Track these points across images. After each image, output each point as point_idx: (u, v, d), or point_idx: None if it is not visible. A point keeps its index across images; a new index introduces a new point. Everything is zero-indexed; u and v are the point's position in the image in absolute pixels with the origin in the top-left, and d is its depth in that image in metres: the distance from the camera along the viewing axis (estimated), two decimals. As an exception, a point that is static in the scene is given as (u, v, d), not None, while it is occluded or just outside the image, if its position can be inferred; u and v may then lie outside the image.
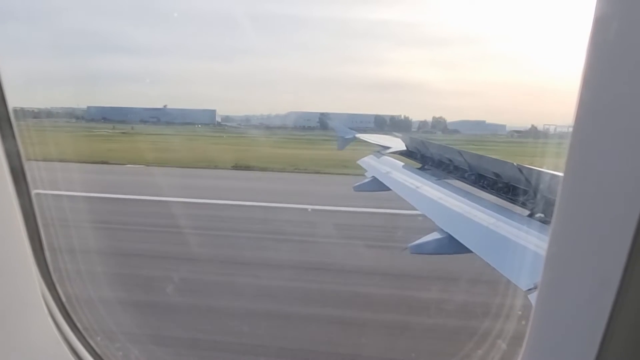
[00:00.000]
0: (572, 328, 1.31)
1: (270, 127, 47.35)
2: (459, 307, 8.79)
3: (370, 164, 9.83)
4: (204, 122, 46.04)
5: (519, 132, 40.36)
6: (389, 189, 7.63)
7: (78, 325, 2.13)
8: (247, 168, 25.82)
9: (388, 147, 10.65)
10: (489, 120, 46.12)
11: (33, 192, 1.95)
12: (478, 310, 7.81)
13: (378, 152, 10.61)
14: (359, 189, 9.27)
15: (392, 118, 47.75)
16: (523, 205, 4.56)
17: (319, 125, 48.13)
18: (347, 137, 14.75)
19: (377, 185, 8.25)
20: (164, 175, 22.98)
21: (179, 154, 28.65)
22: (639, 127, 1.09)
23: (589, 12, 1.11)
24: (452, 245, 4.61)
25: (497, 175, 5.41)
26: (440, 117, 46.96)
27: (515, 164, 4.97)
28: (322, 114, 49.10)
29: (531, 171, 4.50)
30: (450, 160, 7.17)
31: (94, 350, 2.15)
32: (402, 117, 48.19)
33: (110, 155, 26.64)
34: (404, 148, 10.07)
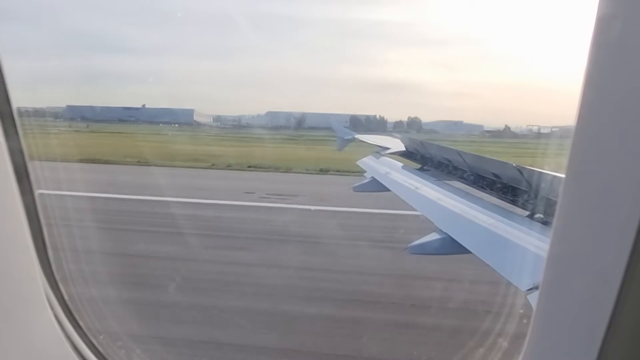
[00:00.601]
0: (573, 327, 1.31)
1: (248, 126, 48.29)
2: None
3: (370, 164, 9.84)
4: (181, 121, 46.48)
5: (489, 132, 42.83)
6: (388, 190, 7.64)
7: (81, 324, 2.13)
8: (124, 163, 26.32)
9: (387, 148, 10.67)
10: (467, 120, 47.38)
11: (37, 191, 1.95)
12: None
13: (377, 152, 10.62)
14: (358, 189, 9.27)
15: (367, 118, 49.07)
16: (522, 205, 4.57)
17: (294, 125, 49.50)
18: (346, 137, 14.81)
19: (376, 185, 8.26)
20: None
21: (80, 149, 28.94)
22: None
23: (591, 12, 1.12)
24: (451, 246, 4.61)
25: (496, 175, 5.42)
26: (416, 117, 48.55)
27: (514, 164, 4.98)
28: (295, 113, 50.25)
29: (530, 172, 4.51)
30: (449, 161, 7.18)
31: (97, 349, 2.15)
32: (378, 117, 49.51)
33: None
34: (403, 149, 10.09)
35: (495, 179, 5.44)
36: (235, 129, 47.89)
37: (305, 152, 33.00)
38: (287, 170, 26.40)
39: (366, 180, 8.95)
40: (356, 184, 9.46)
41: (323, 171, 26.51)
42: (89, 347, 2.11)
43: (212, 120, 51.14)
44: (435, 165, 7.72)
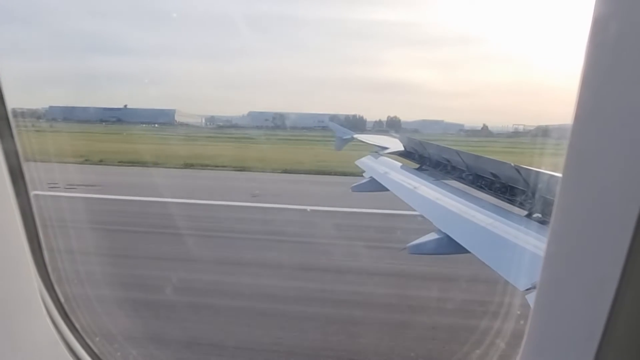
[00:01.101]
0: (571, 327, 1.31)
1: (226, 126, 50.16)
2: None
3: (368, 164, 9.85)
4: (163, 121, 47.47)
5: (464, 131, 46.03)
6: (387, 190, 7.64)
7: (76, 325, 2.12)
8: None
9: (386, 148, 10.68)
10: (448, 119, 49.15)
11: (32, 192, 1.95)
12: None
13: (376, 152, 10.63)
14: (356, 189, 9.27)
15: (347, 117, 50.47)
16: (520, 205, 4.57)
17: (273, 125, 50.80)
18: (344, 137, 14.80)
19: (375, 185, 8.26)
20: None
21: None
22: (637, 127, 1.10)
23: (588, 12, 1.11)
24: (449, 246, 4.61)
25: (494, 175, 5.42)
26: (395, 117, 49.91)
27: (512, 164, 4.99)
28: (276, 113, 51.37)
29: (528, 171, 4.52)
30: (447, 161, 7.19)
31: (92, 351, 2.15)
32: (357, 116, 51.05)
33: None
34: (402, 148, 10.10)
35: (493, 178, 5.45)
36: (211, 129, 49.60)
37: (215, 149, 34.53)
38: (160, 165, 27.38)
39: (365, 180, 8.95)
40: (354, 184, 9.46)
41: (189, 165, 27.81)
42: (84, 348, 2.10)
43: (203, 120, 52.10)
44: (434, 165, 7.73)
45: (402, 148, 10.15)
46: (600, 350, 1.23)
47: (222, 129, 48.56)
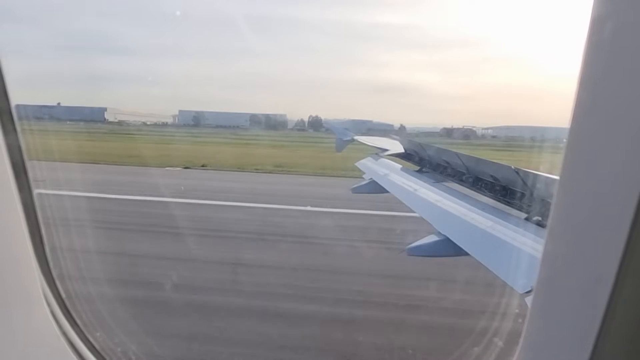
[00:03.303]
0: (567, 326, 1.32)
1: (153, 124, 52.92)
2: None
3: (368, 166, 9.85)
4: (94, 119, 49.26)
5: (382, 131, 48.94)
6: (387, 191, 7.65)
7: (78, 321, 2.13)
8: None
9: (386, 150, 10.69)
10: (378, 120, 50.92)
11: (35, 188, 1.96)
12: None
13: (376, 154, 10.64)
14: (356, 190, 9.28)
15: (267, 117, 51.52)
16: (520, 208, 4.57)
17: (193, 123, 53.02)
18: (345, 138, 14.79)
19: (375, 187, 8.27)
20: None
21: None
22: (635, 128, 1.11)
23: (586, 13, 1.13)
24: (449, 248, 4.61)
25: (494, 178, 5.42)
26: (316, 116, 51.84)
27: (512, 167, 4.98)
28: (196, 112, 52.31)
29: (529, 174, 4.51)
30: (448, 163, 7.19)
31: (93, 346, 2.15)
32: (278, 115, 52.35)
33: None
34: (402, 150, 10.11)
35: (493, 181, 5.44)
36: (137, 127, 51.67)
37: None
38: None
39: (364, 182, 8.96)
40: (354, 186, 9.47)
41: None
42: (85, 344, 2.11)
43: (136, 118, 53.98)
44: (434, 167, 7.74)
45: (402, 150, 10.15)
46: (596, 349, 1.24)
47: (148, 126, 50.60)
